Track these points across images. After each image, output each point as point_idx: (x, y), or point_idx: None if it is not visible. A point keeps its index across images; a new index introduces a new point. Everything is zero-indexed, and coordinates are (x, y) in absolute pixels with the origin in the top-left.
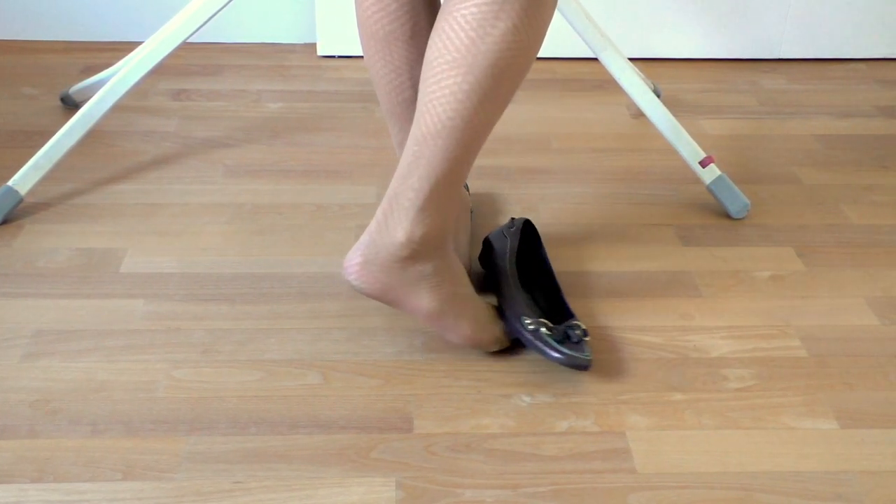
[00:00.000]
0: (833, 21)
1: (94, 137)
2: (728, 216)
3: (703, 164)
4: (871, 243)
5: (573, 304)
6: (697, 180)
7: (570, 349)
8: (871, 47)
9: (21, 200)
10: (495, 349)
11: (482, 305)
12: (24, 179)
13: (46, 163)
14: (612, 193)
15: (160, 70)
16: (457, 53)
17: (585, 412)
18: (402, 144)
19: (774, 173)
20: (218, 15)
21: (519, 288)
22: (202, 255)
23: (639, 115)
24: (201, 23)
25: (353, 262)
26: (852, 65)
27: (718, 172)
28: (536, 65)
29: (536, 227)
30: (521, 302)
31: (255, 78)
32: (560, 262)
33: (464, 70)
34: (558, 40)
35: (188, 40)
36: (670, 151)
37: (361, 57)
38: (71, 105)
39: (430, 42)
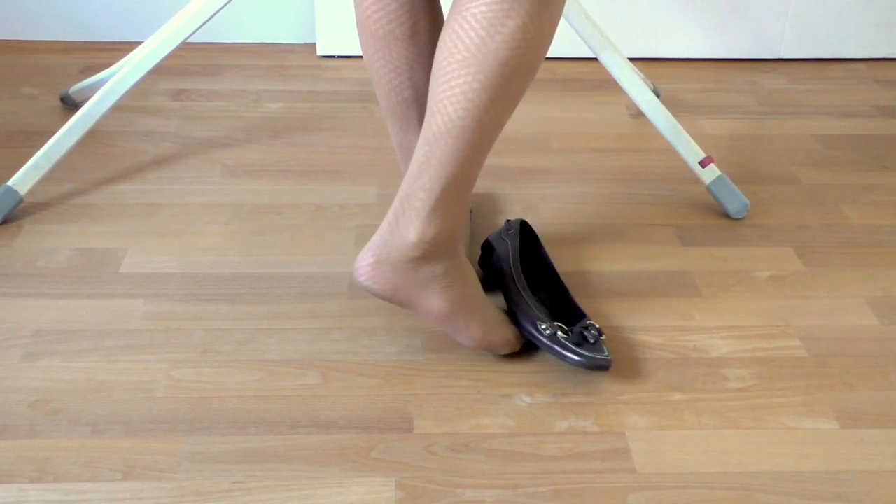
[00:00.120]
0: (833, 21)
1: (93, 137)
2: (728, 216)
3: (703, 164)
4: (870, 243)
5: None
6: (697, 180)
7: (588, 351)
8: (871, 47)
9: (21, 200)
10: (506, 352)
11: (492, 307)
12: (23, 179)
13: (46, 163)
14: (612, 193)
15: (160, 70)
16: (467, 53)
17: (585, 412)
18: (401, 144)
19: (774, 173)
20: (218, 15)
21: (528, 292)
22: (202, 255)
23: (639, 115)
24: (201, 23)
25: (365, 263)
26: (852, 65)
27: (718, 172)
28: None
29: (536, 227)
30: (533, 307)
31: (254, 78)
32: (560, 262)
33: (474, 69)
34: (558, 40)
35: (188, 40)
36: (670, 151)
37: (361, 57)
38: (71, 105)
39: (440, 42)
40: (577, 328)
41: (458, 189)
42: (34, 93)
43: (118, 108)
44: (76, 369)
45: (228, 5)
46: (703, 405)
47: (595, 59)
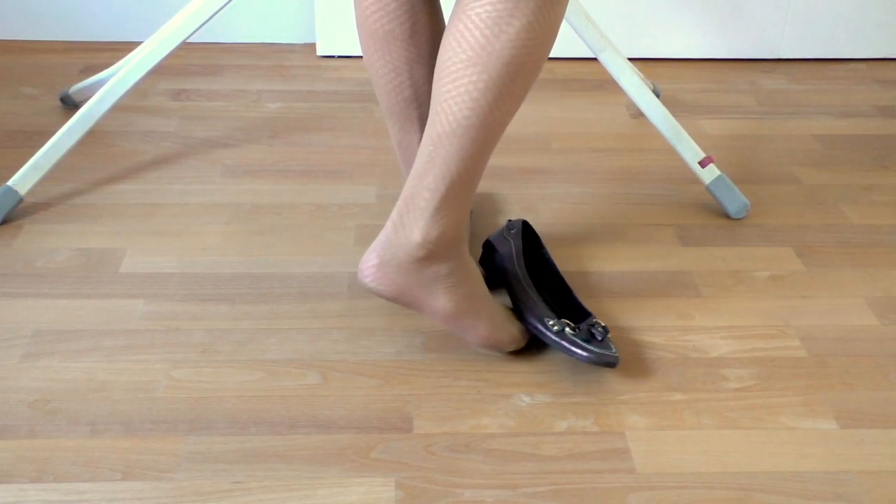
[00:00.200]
0: (833, 21)
1: (93, 137)
2: (727, 216)
3: (703, 164)
4: (870, 243)
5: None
6: (697, 180)
7: (597, 347)
8: (871, 47)
9: (21, 200)
10: (512, 349)
11: (497, 305)
12: (23, 179)
13: (46, 163)
14: (612, 193)
15: (160, 70)
16: (471, 52)
17: (585, 412)
18: (401, 144)
19: (774, 173)
20: (218, 15)
21: (534, 290)
22: (202, 255)
23: (638, 115)
24: (201, 23)
25: (369, 265)
26: (852, 65)
27: (718, 172)
28: None
29: (536, 227)
30: (540, 304)
31: (254, 78)
32: (560, 262)
33: (479, 69)
34: (558, 40)
35: (188, 40)
36: (670, 151)
37: (361, 57)
38: (71, 105)
39: (444, 42)
40: (584, 325)
41: (462, 188)
42: (34, 93)
43: (118, 108)
44: (76, 369)
45: (228, 5)
46: (703, 405)
47: (595, 59)
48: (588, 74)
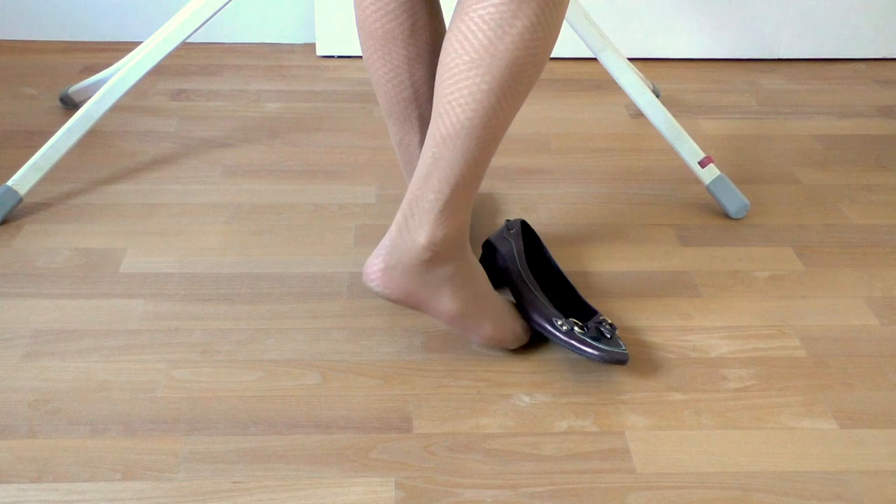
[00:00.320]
0: (833, 21)
1: (93, 137)
2: (727, 216)
3: (703, 164)
4: (870, 243)
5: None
6: (697, 180)
7: (606, 345)
8: (870, 47)
9: (20, 200)
10: (515, 346)
11: (501, 303)
12: (23, 179)
13: (46, 163)
14: (612, 193)
15: (159, 70)
16: (475, 54)
17: (584, 412)
18: (401, 144)
19: (774, 173)
20: (217, 15)
21: (538, 289)
22: (201, 255)
23: (638, 115)
24: (201, 23)
25: (375, 269)
26: (852, 65)
27: (718, 172)
28: None
29: (536, 226)
30: (546, 304)
31: (254, 78)
32: (560, 261)
33: (482, 70)
34: (558, 40)
35: (187, 40)
36: (669, 151)
37: (360, 57)
38: (70, 105)
39: (446, 43)
40: (592, 323)
41: (466, 190)
42: (34, 93)
43: (118, 108)
44: (75, 369)
45: (228, 5)
46: (703, 405)
47: (595, 59)
48: (588, 74)
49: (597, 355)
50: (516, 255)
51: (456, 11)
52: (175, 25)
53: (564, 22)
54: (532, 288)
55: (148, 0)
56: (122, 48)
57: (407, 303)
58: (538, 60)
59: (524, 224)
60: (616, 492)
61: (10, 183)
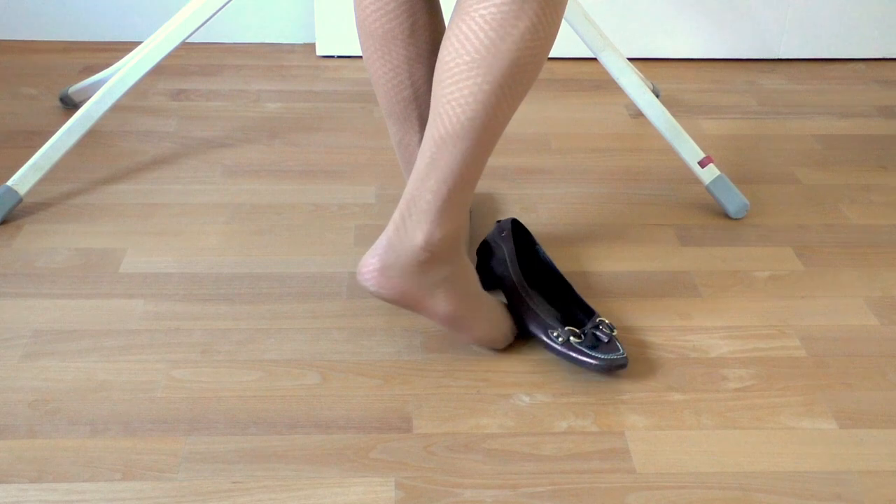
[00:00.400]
0: (832, 21)
1: (93, 137)
2: (727, 216)
3: (703, 164)
4: (870, 243)
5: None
6: (696, 180)
7: (603, 352)
8: (870, 47)
9: (20, 200)
10: (503, 346)
11: (492, 304)
12: (23, 179)
13: (45, 163)
14: (611, 193)
15: (159, 70)
16: (476, 54)
17: (584, 412)
18: (401, 144)
19: (773, 173)
20: (217, 15)
21: (533, 297)
22: (201, 255)
23: (638, 115)
24: (201, 23)
25: (370, 268)
26: (851, 65)
27: (717, 172)
28: None
29: (535, 227)
30: (541, 312)
31: (254, 78)
32: (559, 261)
33: (484, 70)
34: (557, 40)
35: (187, 40)
36: (669, 151)
37: (360, 57)
38: (70, 105)
39: (445, 43)
40: (588, 329)
41: (463, 190)
42: (34, 93)
43: (117, 108)
44: (75, 369)
45: (228, 5)
46: (703, 405)
47: (594, 60)
48: (588, 74)
49: (595, 365)
50: (509, 260)
51: (455, 11)
52: (175, 25)
53: (564, 22)
54: (524, 295)
55: (148, 0)
56: (122, 48)
57: (401, 303)
58: (538, 60)
59: (515, 223)
60: (616, 492)
61: (10, 183)
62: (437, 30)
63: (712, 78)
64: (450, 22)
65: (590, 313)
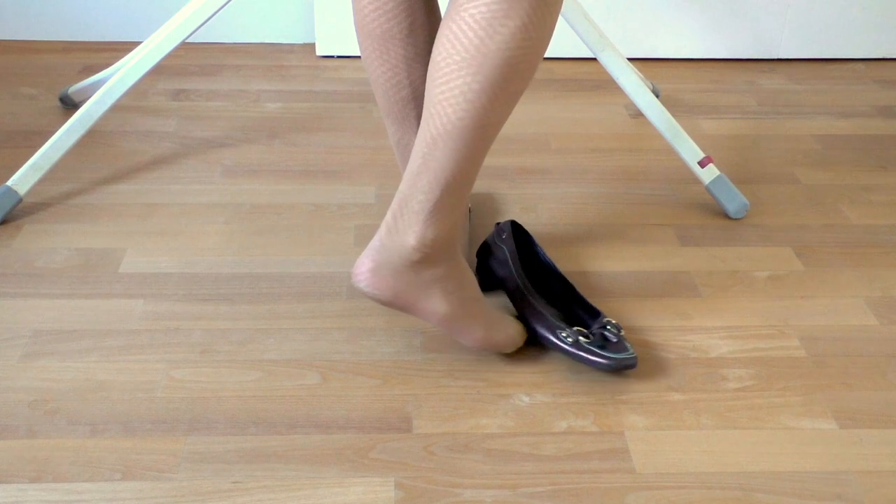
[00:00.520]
0: (832, 21)
1: (92, 137)
2: (727, 216)
3: (702, 164)
4: (869, 243)
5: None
6: (696, 180)
7: (613, 352)
8: (870, 47)
9: (20, 200)
10: (510, 350)
11: (490, 307)
12: (22, 179)
13: (45, 163)
14: (611, 194)
15: (159, 70)
16: (465, 54)
17: (584, 412)
18: (399, 144)
19: (773, 173)
20: (217, 15)
21: (537, 296)
22: (201, 255)
23: (638, 115)
24: (200, 23)
25: (364, 269)
26: (851, 65)
27: (717, 172)
28: None
29: (535, 227)
30: (547, 313)
31: (253, 78)
32: (559, 262)
33: (473, 70)
34: (557, 40)
35: (187, 40)
36: (669, 151)
37: (360, 57)
38: (70, 105)
39: (437, 43)
40: (596, 329)
41: (457, 190)
42: (34, 93)
43: (117, 108)
44: (75, 369)
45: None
46: (702, 405)
47: (594, 59)
48: (587, 74)
49: (605, 364)
50: (511, 262)
51: (447, 11)
52: (175, 25)
53: (565, 22)
54: (529, 297)
55: (148, 0)
56: (121, 48)
57: (396, 304)
58: (530, 61)
59: (514, 225)
60: (616, 492)
61: (9, 183)
62: (435, 29)
63: (712, 78)
64: (442, 22)
65: (593, 313)
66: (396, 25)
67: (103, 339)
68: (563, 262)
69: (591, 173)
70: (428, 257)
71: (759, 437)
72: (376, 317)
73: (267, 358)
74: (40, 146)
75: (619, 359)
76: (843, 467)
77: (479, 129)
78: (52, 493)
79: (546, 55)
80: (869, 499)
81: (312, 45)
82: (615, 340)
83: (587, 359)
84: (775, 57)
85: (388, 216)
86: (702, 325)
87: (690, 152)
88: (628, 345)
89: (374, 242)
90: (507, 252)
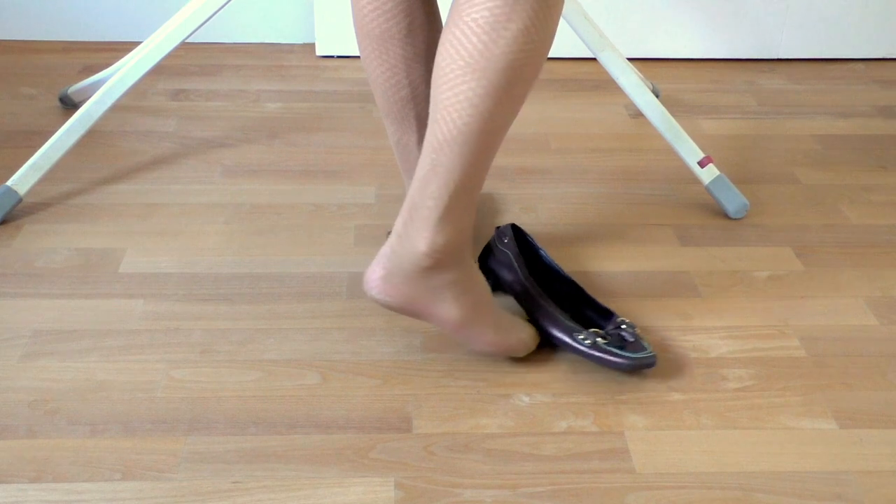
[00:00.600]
0: (832, 21)
1: (92, 137)
2: (727, 216)
3: (702, 164)
4: (869, 243)
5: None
6: (696, 180)
7: (631, 351)
8: (870, 47)
9: (20, 200)
10: (522, 354)
11: (501, 311)
12: (22, 179)
13: (45, 163)
14: (611, 194)
15: (159, 70)
16: (469, 59)
17: (584, 412)
18: (399, 143)
19: (773, 173)
20: (217, 15)
21: (549, 302)
22: (201, 255)
23: (637, 115)
24: (200, 23)
25: (375, 277)
26: (851, 65)
27: (717, 172)
28: None
29: (535, 227)
30: (560, 315)
31: (253, 78)
32: (559, 262)
33: (478, 74)
34: (557, 40)
35: (187, 40)
36: (669, 151)
37: (359, 57)
38: (70, 105)
39: (440, 48)
40: (612, 330)
41: (466, 195)
42: (33, 93)
43: (117, 108)
44: (75, 369)
45: (228, 5)
46: (702, 405)
47: (594, 60)
48: (587, 74)
49: (626, 364)
50: (517, 266)
51: (449, 16)
52: (175, 25)
53: (564, 22)
54: (540, 299)
55: (148, 0)
56: (121, 48)
57: (408, 310)
58: (534, 63)
59: (515, 228)
60: (615, 492)
61: (9, 183)
62: (433, 29)
63: (712, 78)
64: (444, 27)
65: (605, 314)
66: (395, 25)
67: (103, 339)
68: (564, 262)
69: (591, 173)
70: (439, 263)
71: (759, 437)
72: (376, 317)
73: (267, 358)
74: (40, 146)
75: (639, 358)
76: (843, 467)
77: (486, 133)
78: (52, 493)
79: None
80: (869, 499)
81: (312, 45)
82: (632, 340)
83: (606, 360)
84: (775, 57)
85: (398, 223)
86: (702, 325)
87: (690, 152)
88: (646, 343)
89: (385, 250)
90: (511, 256)
